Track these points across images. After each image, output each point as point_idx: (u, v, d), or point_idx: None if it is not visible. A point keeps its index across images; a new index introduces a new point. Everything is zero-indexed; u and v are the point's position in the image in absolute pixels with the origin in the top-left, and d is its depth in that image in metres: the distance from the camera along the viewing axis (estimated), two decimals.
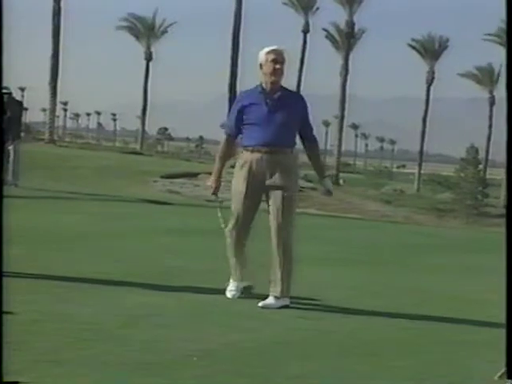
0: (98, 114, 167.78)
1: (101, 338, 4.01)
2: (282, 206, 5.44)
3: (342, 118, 46.23)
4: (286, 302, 5.34)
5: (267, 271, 5.49)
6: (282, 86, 5.46)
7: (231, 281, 5.55)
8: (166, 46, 79.47)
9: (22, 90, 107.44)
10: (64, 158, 24.93)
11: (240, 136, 5.56)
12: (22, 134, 15.57)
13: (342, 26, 47.92)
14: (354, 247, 9.69)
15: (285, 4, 50.86)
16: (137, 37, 59.35)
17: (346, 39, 46.42)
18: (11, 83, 18.56)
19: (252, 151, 5.42)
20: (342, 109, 45.75)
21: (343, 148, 50.84)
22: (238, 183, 5.50)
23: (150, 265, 6.59)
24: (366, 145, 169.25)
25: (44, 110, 56.35)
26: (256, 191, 5.47)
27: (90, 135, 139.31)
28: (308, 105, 5.58)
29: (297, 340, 4.40)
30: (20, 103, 15.92)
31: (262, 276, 5.50)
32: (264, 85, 5.40)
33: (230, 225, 5.57)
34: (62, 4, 38.78)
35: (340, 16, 48.03)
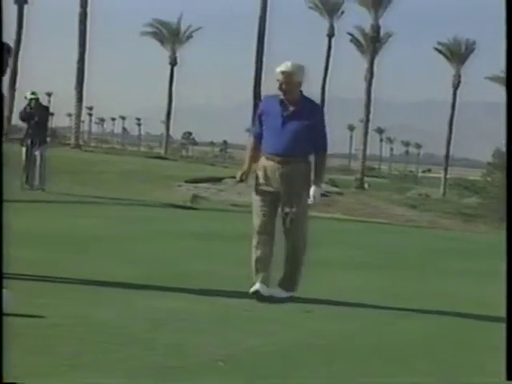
0: (123, 118, 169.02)
1: (125, 342, 4.02)
2: (291, 212, 5.65)
3: (367, 121, 46.02)
4: (285, 294, 5.59)
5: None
6: (302, 96, 5.72)
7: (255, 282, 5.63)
8: (191, 50, 79.86)
9: (49, 95, 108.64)
10: (89, 162, 25.14)
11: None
12: (48, 139, 15.75)
13: (368, 29, 47.79)
14: (379, 252, 9.64)
15: (310, 8, 50.89)
16: (162, 42, 59.71)
17: (372, 43, 46.23)
18: (38, 88, 18.78)
19: (267, 158, 5.72)
20: (367, 113, 45.55)
21: (368, 152, 50.61)
22: (255, 190, 5.78)
23: (174, 269, 6.61)
24: (391, 149, 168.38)
25: (70, 114, 56.88)
26: (270, 198, 5.69)
27: (115, 140, 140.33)
28: (323, 116, 5.81)
29: (321, 344, 4.38)
30: (46, 108, 16.10)
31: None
32: (284, 98, 5.69)
33: (253, 230, 5.75)
34: (89, 9, 39.17)
35: (365, 20, 47.95)
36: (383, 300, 5.98)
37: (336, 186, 29.43)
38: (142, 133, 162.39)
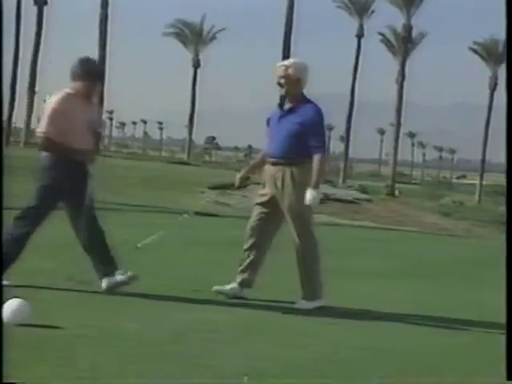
0: (144, 122, 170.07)
1: (144, 354, 4.05)
2: (290, 217, 5.72)
3: (398, 125, 45.80)
4: (309, 305, 5.60)
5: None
6: (302, 96, 5.79)
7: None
8: (215, 51, 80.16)
9: None
10: (110, 167, 25.29)
11: None
12: None
13: (399, 29, 47.58)
14: (410, 261, 9.60)
15: (339, 7, 50.82)
16: (184, 43, 60.01)
17: (403, 43, 46.01)
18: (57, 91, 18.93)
19: (267, 162, 5.86)
20: (399, 116, 45.33)
21: (399, 157, 50.38)
22: (259, 192, 5.95)
23: (196, 278, 6.64)
24: (424, 154, 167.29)
25: None
26: (265, 201, 5.80)
27: (135, 144, 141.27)
28: (320, 117, 5.79)
29: (350, 358, 4.37)
30: None
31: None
32: (281, 93, 5.85)
33: (246, 234, 5.88)
34: (109, 10, 39.51)
35: (397, 19, 47.76)
36: (414, 311, 5.95)
37: (365, 193, 29.30)
38: (164, 137, 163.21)
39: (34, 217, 5.61)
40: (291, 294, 5.78)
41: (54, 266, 6.52)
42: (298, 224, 5.73)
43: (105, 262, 5.68)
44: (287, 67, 5.75)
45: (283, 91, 5.78)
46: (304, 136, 5.67)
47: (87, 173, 5.71)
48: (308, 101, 5.80)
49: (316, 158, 5.67)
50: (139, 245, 6.01)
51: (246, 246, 5.83)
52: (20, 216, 5.60)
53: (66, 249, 7.75)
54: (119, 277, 5.63)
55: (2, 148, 5.60)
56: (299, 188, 5.66)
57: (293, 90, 5.74)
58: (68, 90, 5.62)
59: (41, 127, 5.61)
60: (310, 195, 5.67)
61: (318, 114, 5.79)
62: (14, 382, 3.24)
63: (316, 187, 5.69)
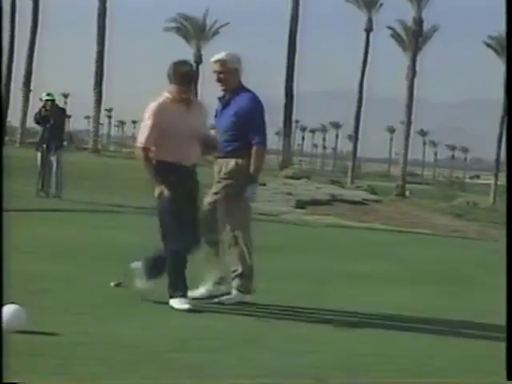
0: None
1: (144, 361, 4.07)
2: (225, 211, 5.79)
3: (409, 123, 45.77)
4: (240, 298, 5.73)
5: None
6: (241, 87, 5.86)
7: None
8: (217, 47, 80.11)
9: (66, 96, 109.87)
10: (108, 168, 25.38)
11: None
12: (65, 143, 15.88)
13: (409, 23, 47.53)
14: (421, 265, 9.59)
15: (347, 1, 50.79)
16: (186, 38, 60.04)
17: (414, 38, 45.97)
18: (54, 89, 19.02)
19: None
20: (409, 114, 45.31)
21: (410, 156, 50.36)
22: None
23: (197, 284, 6.65)
24: (436, 153, 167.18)
25: (88, 117, 57.50)
26: (210, 197, 5.87)
27: (135, 144, 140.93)
28: (259, 107, 5.83)
29: (359, 366, 4.37)
30: (63, 110, 16.25)
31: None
32: (221, 88, 5.91)
33: None
34: (108, 4, 39.60)
35: (407, 12, 47.72)
36: (426, 317, 5.96)
37: (374, 194, 29.30)
38: None
39: (171, 232, 5.57)
40: (295, 299, 5.79)
41: (51, 270, 6.54)
42: (233, 217, 5.79)
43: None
44: (225, 61, 5.84)
45: (221, 86, 5.86)
46: (242, 128, 5.76)
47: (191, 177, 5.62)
48: (246, 91, 5.89)
49: (253, 150, 5.75)
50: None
51: (207, 244, 5.89)
52: (162, 236, 5.65)
53: (65, 253, 7.78)
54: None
55: (2, 149, 5.62)
56: (236, 181, 5.74)
57: (233, 83, 5.84)
58: (167, 95, 5.55)
59: (140, 139, 5.60)
60: (249, 189, 5.76)
61: (254, 103, 5.85)
62: (14, 382, 3.27)
63: (253, 182, 5.77)
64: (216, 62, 5.85)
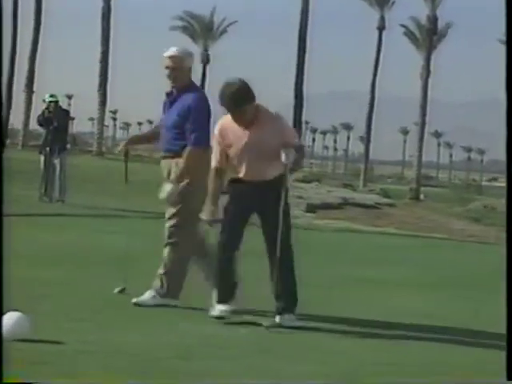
0: (150, 123, 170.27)
1: (150, 370, 4.07)
2: (174, 208, 5.88)
3: (423, 124, 45.69)
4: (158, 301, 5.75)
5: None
6: (191, 84, 5.89)
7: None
8: (225, 46, 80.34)
9: (69, 97, 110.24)
10: (113, 171, 25.39)
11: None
12: (69, 146, 15.92)
13: (423, 21, 47.46)
14: (437, 270, 9.56)
15: None
16: (193, 37, 60.17)
17: (428, 36, 45.91)
18: (58, 90, 19.07)
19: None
20: (423, 114, 45.23)
21: (424, 159, 50.25)
22: None
23: (206, 289, 6.65)
24: (451, 155, 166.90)
25: (92, 119, 57.71)
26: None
27: (141, 146, 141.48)
28: (202, 105, 5.85)
29: (372, 375, 4.36)
30: (67, 112, 16.30)
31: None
32: (172, 84, 5.90)
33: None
34: (112, 3, 39.71)
35: (420, 10, 47.65)
36: (441, 325, 5.94)
37: (387, 197, 29.22)
38: None
39: (223, 240, 5.61)
40: (306, 306, 5.77)
41: (53, 275, 6.55)
42: (179, 213, 5.87)
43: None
44: (177, 57, 5.83)
45: (173, 83, 5.86)
46: (186, 126, 5.82)
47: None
48: (195, 89, 5.93)
49: (186, 149, 5.81)
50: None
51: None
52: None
53: (66, 258, 7.80)
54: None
55: (2, 150, 5.65)
56: (177, 182, 5.83)
57: (182, 80, 5.85)
58: (229, 117, 5.51)
59: (212, 161, 5.61)
60: (167, 188, 5.90)
61: (200, 102, 5.86)
62: (14, 382, 3.28)
63: (175, 182, 5.83)
64: (168, 57, 5.83)
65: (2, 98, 4.95)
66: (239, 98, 5.35)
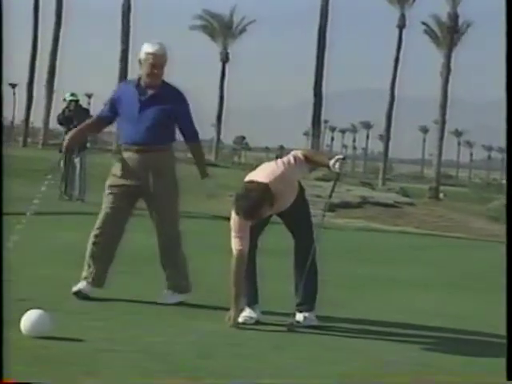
0: None
1: (170, 369, 4.10)
2: (159, 207, 5.91)
3: (443, 123, 45.47)
4: (172, 299, 5.83)
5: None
6: (163, 82, 5.85)
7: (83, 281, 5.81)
8: (244, 45, 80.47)
9: (89, 96, 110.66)
10: None
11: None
12: (88, 145, 15.99)
13: (444, 18, 47.21)
14: (457, 270, 9.53)
15: None
16: (212, 36, 60.22)
17: (449, 34, 45.66)
18: (78, 89, 19.17)
19: (125, 149, 5.89)
20: (443, 113, 45.02)
21: (444, 157, 50.05)
22: (110, 180, 5.93)
23: (224, 288, 6.67)
24: (471, 154, 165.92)
25: None
26: (125, 191, 5.84)
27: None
28: (188, 102, 5.92)
29: (391, 376, 4.36)
30: (87, 111, 16.36)
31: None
32: (142, 81, 5.82)
33: (96, 224, 5.92)
34: (132, 2, 39.85)
35: (441, 7, 47.40)
36: (462, 326, 5.92)
37: (407, 196, 29.12)
38: None
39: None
40: (324, 305, 5.77)
41: (75, 274, 6.59)
42: (167, 214, 5.92)
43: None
44: (162, 57, 5.83)
45: (150, 81, 5.81)
46: (173, 122, 5.87)
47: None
48: (168, 84, 5.91)
49: (196, 146, 6.01)
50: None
51: (96, 240, 5.89)
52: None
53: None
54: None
55: (2, 148, 5.70)
56: (169, 175, 5.89)
57: (162, 76, 5.85)
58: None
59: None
60: (212, 185, 6.03)
61: (187, 100, 5.95)
62: (14, 382, 3.31)
63: (208, 175, 6.05)
64: (153, 54, 5.78)
65: (2, 98, 4.97)
66: (258, 206, 5.15)
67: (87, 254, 5.92)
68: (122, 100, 5.90)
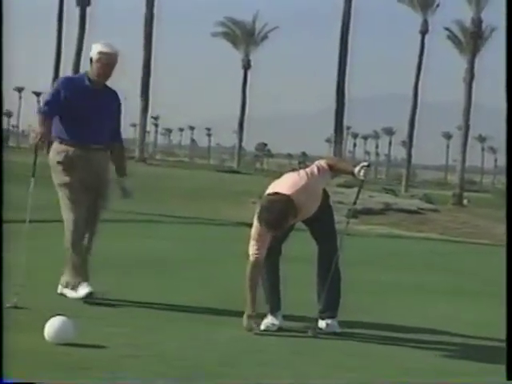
0: (192, 129, 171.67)
1: (192, 375, 4.09)
2: (101, 203, 6.06)
3: (467, 129, 45.16)
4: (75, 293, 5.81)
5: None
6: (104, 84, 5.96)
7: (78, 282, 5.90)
8: (266, 52, 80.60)
9: None
10: (155, 177, 25.62)
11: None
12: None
13: (467, 24, 46.96)
14: (481, 276, 9.46)
15: (400, 2, 50.43)
16: (234, 43, 60.38)
17: (472, 39, 45.42)
18: None
19: (73, 146, 5.86)
20: (467, 119, 44.72)
21: (467, 163, 49.69)
22: (59, 177, 5.90)
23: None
24: (495, 160, 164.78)
25: (134, 125, 58.10)
26: (77, 187, 5.86)
27: (182, 152, 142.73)
28: (121, 102, 6.10)
29: (416, 381, 4.33)
30: None
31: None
32: (89, 78, 5.89)
33: (70, 226, 5.95)
34: (155, 10, 40.04)
35: (465, 13, 47.13)
36: (485, 333, 5.86)
37: (430, 202, 28.94)
38: (212, 144, 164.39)
39: None
40: (348, 311, 5.75)
41: (95, 280, 6.61)
42: (102, 210, 6.10)
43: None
44: (116, 56, 5.91)
45: (100, 80, 5.88)
46: (113, 123, 6.03)
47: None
48: (106, 85, 6.02)
49: (121, 146, 6.15)
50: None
51: (77, 241, 5.94)
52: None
53: (110, 263, 7.87)
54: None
55: (2, 150, 5.73)
56: (106, 172, 6.02)
57: (111, 76, 5.94)
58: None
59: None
60: (128, 184, 6.21)
61: (120, 100, 6.11)
62: (14, 382, 3.33)
63: (125, 174, 6.20)
64: (106, 54, 5.84)
65: (2, 98, 4.99)
66: (281, 219, 5.10)
67: (73, 259, 5.96)
68: (70, 97, 5.85)
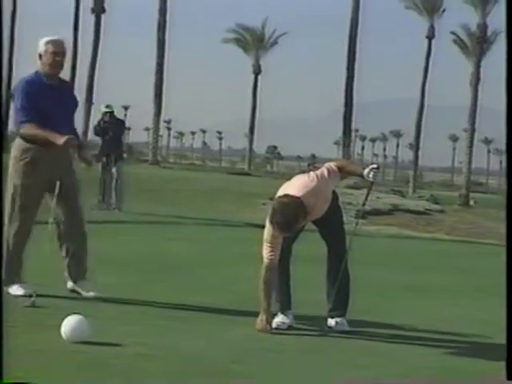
0: (204, 132, 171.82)
1: (206, 373, 4.08)
2: (66, 196, 5.78)
3: (473, 131, 45.03)
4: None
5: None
6: (59, 77, 5.90)
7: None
8: (275, 57, 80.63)
9: (126, 108, 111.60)
10: (168, 180, 25.65)
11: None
12: (125, 155, 16.10)
13: (473, 29, 46.83)
14: (488, 277, 9.40)
15: (407, 8, 50.31)
16: (245, 49, 60.41)
17: (478, 44, 45.30)
18: (115, 102, 19.32)
19: (37, 144, 5.72)
20: (473, 121, 44.59)
21: (474, 165, 49.53)
22: (21, 177, 5.73)
23: (257, 295, 6.65)
24: (501, 161, 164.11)
25: (147, 129, 58.22)
26: (42, 183, 5.74)
27: (194, 155, 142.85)
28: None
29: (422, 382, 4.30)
30: (122, 122, 16.50)
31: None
32: (44, 75, 5.78)
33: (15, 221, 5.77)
34: (168, 17, 40.10)
35: (471, 18, 47.01)
36: (493, 332, 5.83)
37: (437, 203, 28.86)
38: (224, 147, 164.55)
39: None
40: (357, 311, 5.73)
41: (112, 281, 6.62)
42: (72, 199, 5.88)
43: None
44: (63, 42, 5.88)
45: (55, 70, 5.82)
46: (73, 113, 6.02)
47: None
48: (63, 79, 5.99)
49: (77, 136, 5.97)
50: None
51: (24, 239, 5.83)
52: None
53: (124, 264, 7.88)
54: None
55: (2, 150, 5.73)
56: (72, 165, 5.94)
57: (64, 64, 5.88)
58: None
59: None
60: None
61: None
62: (15, 382, 3.33)
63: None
64: (53, 41, 5.79)
65: (2, 100, 4.99)
66: (293, 221, 5.09)
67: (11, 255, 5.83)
68: (39, 97, 5.79)
